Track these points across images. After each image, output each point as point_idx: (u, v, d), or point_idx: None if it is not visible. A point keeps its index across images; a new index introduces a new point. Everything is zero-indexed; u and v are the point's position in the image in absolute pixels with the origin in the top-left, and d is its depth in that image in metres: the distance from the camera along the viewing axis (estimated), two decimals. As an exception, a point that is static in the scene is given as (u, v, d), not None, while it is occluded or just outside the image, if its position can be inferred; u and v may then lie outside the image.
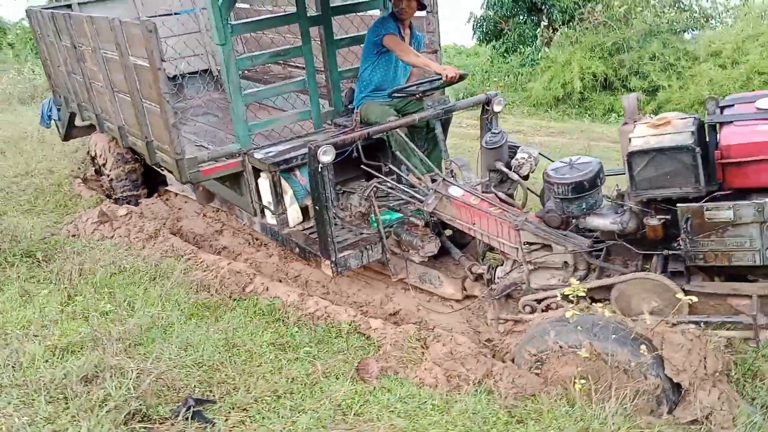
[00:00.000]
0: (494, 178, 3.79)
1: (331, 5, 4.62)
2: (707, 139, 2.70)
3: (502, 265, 3.73)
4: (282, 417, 2.95)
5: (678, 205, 2.66)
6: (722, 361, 2.76)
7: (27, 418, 2.76)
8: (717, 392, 2.72)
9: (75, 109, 6.13)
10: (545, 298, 3.30)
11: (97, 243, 5.04)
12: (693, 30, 10.61)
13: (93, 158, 6.52)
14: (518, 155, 3.75)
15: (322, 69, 4.80)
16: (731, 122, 2.63)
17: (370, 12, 5.00)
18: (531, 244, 3.34)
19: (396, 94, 4.20)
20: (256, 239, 5.35)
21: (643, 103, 10.08)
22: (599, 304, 3.11)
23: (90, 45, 4.82)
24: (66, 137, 6.93)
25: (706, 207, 2.59)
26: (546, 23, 12.54)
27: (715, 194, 2.63)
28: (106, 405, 2.81)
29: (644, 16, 10.50)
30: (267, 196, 4.33)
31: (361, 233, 4.10)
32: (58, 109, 6.77)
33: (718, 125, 2.62)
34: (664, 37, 10.12)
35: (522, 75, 12.22)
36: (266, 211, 4.45)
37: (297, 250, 4.33)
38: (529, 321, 3.33)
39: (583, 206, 3.06)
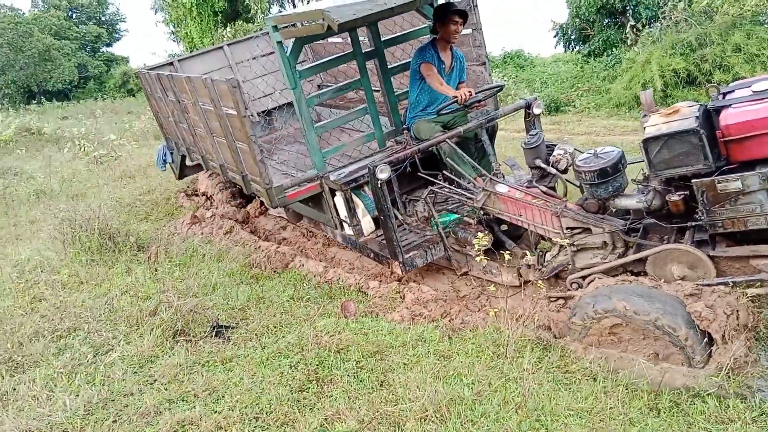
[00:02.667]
0: (536, 174, 4.29)
1: (383, 38, 5.17)
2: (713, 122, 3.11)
3: (551, 250, 4.19)
4: (276, 337, 4.15)
5: (693, 180, 3.07)
6: (750, 315, 3.10)
7: (111, 334, 4.28)
8: (744, 343, 3.03)
9: (185, 152, 7.21)
10: (589, 275, 3.73)
11: (186, 237, 6.72)
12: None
13: (204, 195, 7.78)
14: (555, 152, 4.18)
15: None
16: (729, 105, 3.02)
17: (421, 38, 5.36)
18: (573, 228, 3.83)
19: (442, 112, 4.61)
20: (309, 231, 6.63)
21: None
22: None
23: (190, 99, 5.72)
24: (180, 176, 8.21)
25: (717, 180, 2.98)
26: (632, 23, 12.74)
27: (724, 168, 3.02)
28: (161, 327, 4.24)
29: (726, 9, 10.44)
30: (343, 211, 4.98)
31: (425, 235, 4.71)
32: (171, 153, 7.92)
33: (716, 110, 3.05)
34: (747, 28, 9.99)
35: (605, 78, 12.53)
36: (344, 224, 5.10)
37: (372, 255, 4.94)
38: (575, 296, 3.67)
39: (609, 189, 3.53)
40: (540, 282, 4.15)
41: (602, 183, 3.58)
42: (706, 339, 3.10)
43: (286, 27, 4.67)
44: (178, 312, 4.32)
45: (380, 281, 5.02)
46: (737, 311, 3.11)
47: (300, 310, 4.64)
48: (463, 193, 4.41)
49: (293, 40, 4.63)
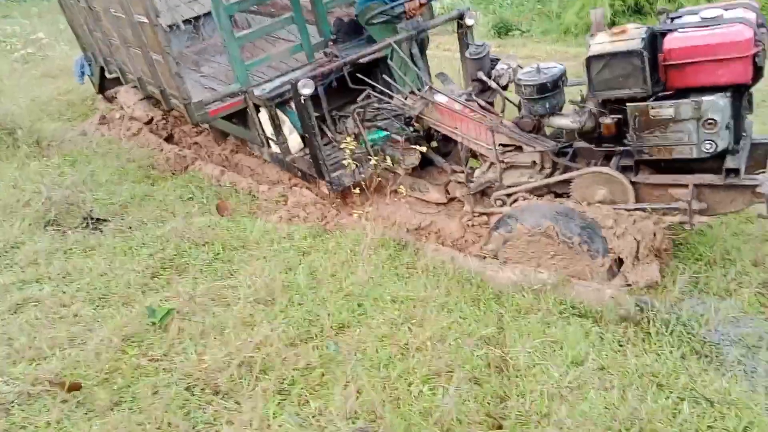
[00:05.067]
0: (476, 87, 4.19)
1: None
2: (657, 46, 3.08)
3: (480, 167, 4.21)
4: (147, 230, 4.26)
5: (627, 104, 3.09)
6: (665, 240, 3.29)
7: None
8: (657, 266, 3.25)
9: (103, 64, 6.83)
10: (514, 193, 3.82)
11: (92, 137, 6.67)
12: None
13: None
14: (498, 66, 4.12)
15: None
16: (675, 29, 2.98)
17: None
18: (505, 145, 3.85)
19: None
20: (225, 138, 6.60)
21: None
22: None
23: (101, 5, 5.45)
24: (100, 90, 7.77)
25: (651, 105, 3.00)
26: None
27: (659, 94, 3.04)
28: (32, 216, 4.30)
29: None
30: (268, 129, 4.86)
31: (354, 153, 4.41)
32: (90, 65, 7.50)
33: (661, 33, 2.99)
34: (696, -44, 9.92)
35: (556, 2, 12.35)
36: (270, 142, 4.99)
37: (300, 174, 4.87)
38: (499, 213, 3.84)
39: (547, 106, 3.53)
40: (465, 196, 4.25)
41: (540, 98, 3.56)
42: (614, 258, 3.31)
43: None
44: (49, 202, 4.36)
45: (269, 186, 5.12)
46: (654, 234, 3.28)
47: (182, 207, 4.74)
48: (396, 104, 4.34)
49: None
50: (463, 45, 5.06)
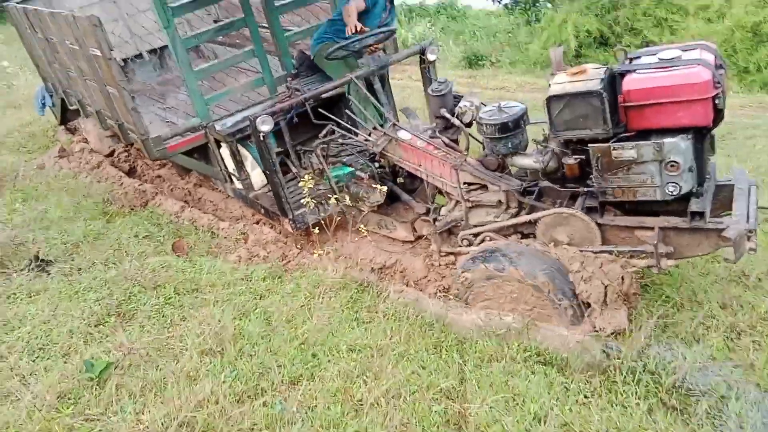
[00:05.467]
0: (440, 124, 4.13)
1: None
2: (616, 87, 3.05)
3: (446, 205, 4.12)
4: (97, 272, 4.05)
5: (589, 145, 3.04)
6: (630, 285, 3.17)
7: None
8: (625, 311, 3.15)
9: (62, 95, 6.56)
10: (480, 233, 3.73)
11: (51, 170, 6.45)
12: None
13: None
14: (461, 103, 4.06)
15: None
16: (634, 71, 2.94)
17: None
18: (470, 184, 3.80)
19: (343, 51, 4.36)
20: (188, 172, 6.42)
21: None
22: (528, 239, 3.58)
23: (58, 37, 5.28)
24: (62, 122, 7.56)
25: (613, 147, 2.94)
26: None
27: (621, 135, 2.99)
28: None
29: (640, -28, 10.55)
30: (230, 164, 4.75)
31: (318, 189, 4.36)
32: (51, 96, 7.25)
33: (620, 74, 2.96)
34: (659, -8, 10.21)
35: (525, 34, 12.56)
36: (233, 178, 4.88)
37: (263, 211, 4.71)
38: (465, 253, 3.74)
39: (509, 145, 3.46)
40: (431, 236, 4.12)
41: (502, 138, 3.50)
42: (579, 304, 3.21)
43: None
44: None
45: (230, 223, 4.96)
46: (622, 278, 3.19)
47: (137, 247, 4.54)
48: (358, 141, 4.26)
49: None
50: (426, 80, 5.02)
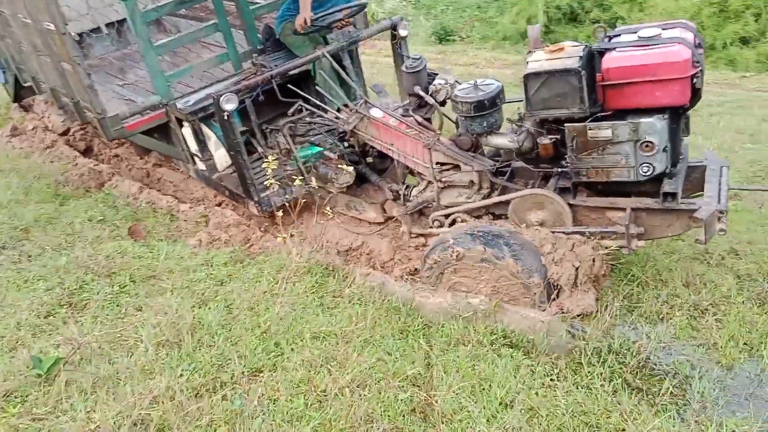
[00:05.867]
0: (413, 102, 4.01)
1: None
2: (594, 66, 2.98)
3: (417, 185, 4.03)
4: (47, 260, 3.86)
5: (565, 124, 3.00)
6: (604, 266, 3.16)
7: None
8: (594, 293, 3.15)
9: (16, 71, 6.32)
10: (452, 214, 3.66)
11: (3, 150, 6.13)
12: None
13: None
14: (436, 81, 3.97)
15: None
16: (613, 49, 2.90)
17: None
18: (443, 164, 3.71)
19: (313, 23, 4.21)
20: (147, 152, 6.18)
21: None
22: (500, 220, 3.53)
23: (9, 10, 4.99)
24: (16, 98, 7.21)
25: (589, 126, 2.92)
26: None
27: (597, 115, 2.95)
28: None
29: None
30: (193, 144, 4.57)
31: (285, 170, 4.24)
32: (4, 72, 7.04)
33: (599, 52, 2.92)
34: (630, -33, 10.14)
35: (495, 9, 12.42)
36: (195, 159, 4.70)
37: (227, 193, 4.57)
38: (436, 234, 3.67)
39: (484, 124, 3.39)
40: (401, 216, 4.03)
41: (477, 116, 3.40)
42: (548, 284, 3.17)
43: None
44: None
45: (191, 205, 4.78)
46: (593, 260, 3.16)
47: (91, 231, 4.35)
48: (329, 119, 4.10)
49: None
50: (397, 56, 4.88)
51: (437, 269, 3.45)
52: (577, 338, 2.98)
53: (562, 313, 3.15)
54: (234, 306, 3.25)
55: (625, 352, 2.88)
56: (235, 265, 3.79)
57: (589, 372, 2.77)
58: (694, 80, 2.76)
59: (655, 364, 2.84)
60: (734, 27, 8.32)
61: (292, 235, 3.87)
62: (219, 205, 4.82)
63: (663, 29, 2.89)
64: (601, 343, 2.92)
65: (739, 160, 4.88)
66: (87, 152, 6.32)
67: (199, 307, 3.23)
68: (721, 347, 2.96)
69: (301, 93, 4.18)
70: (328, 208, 3.97)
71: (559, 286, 3.21)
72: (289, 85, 4.21)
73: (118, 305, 3.33)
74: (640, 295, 3.36)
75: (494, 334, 3.04)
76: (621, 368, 2.80)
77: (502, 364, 2.79)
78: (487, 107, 3.38)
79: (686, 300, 3.26)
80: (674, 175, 3.05)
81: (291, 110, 4.16)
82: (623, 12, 10.35)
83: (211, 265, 3.76)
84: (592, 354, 2.87)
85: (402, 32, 4.73)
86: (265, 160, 3.82)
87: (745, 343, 2.98)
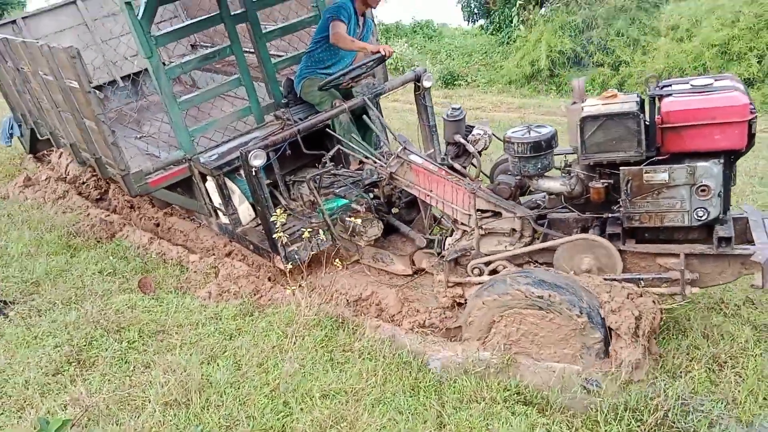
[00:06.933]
0: (451, 151, 4.03)
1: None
2: (647, 112, 3.03)
3: (450, 236, 3.97)
4: (57, 314, 3.85)
5: (621, 168, 3.01)
6: (656, 320, 3.07)
7: None
8: (642, 349, 3.02)
9: (33, 126, 6.39)
10: (492, 262, 3.60)
11: (15, 200, 6.21)
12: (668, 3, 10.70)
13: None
14: (474, 131, 4.02)
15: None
16: (671, 94, 2.99)
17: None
18: (483, 211, 3.65)
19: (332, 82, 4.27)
20: (167, 205, 6.17)
21: (597, 80, 10.29)
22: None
23: (30, 68, 5.05)
24: (31, 151, 7.33)
25: (645, 170, 2.94)
26: (522, 2, 12.82)
27: (653, 159, 2.98)
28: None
29: (615, -7, 10.70)
30: (216, 199, 4.56)
31: (311, 223, 4.24)
32: (20, 126, 7.13)
33: (658, 97, 2.99)
34: (633, 13, 10.34)
35: (499, 54, 12.65)
36: (219, 213, 4.68)
37: (252, 247, 4.50)
38: (476, 283, 3.58)
39: (539, 166, 3.38)
40: (438, 266, 3.94)
41: (533, 157, 3.38)
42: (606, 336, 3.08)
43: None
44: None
45: (201, 256, 4.79)
46: (652, 313, 3.07)
47: (101, 284, 4.35)
48: (368, 164, 4.00)
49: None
50: (421, 107, 4.91)
51: (486, 315, 3.28)
52: (593, 394, 2.91)
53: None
54: (243, 362, 3.22)
55: (642, 409, 2.80)
56: (245, 318, 3.77)
57: (606, 431, 2.69)
58: (751, 125, 2.81)
59: (674, 422, 2.76)
60: (737, 69, 8.39)
61: (300, 286, 3.86)
62: (228, 255, 4.83)
63: (714, 80, 2.98)
64: (617, 400, 2.84)
65: (752, 204, 4.84)
66: (99, 200, 6.40)
67: (208, 363, 3.20)
68: (740, 402, 2.88)
69: (327, 147, 4.18)
70: (337, 261, 3.95)
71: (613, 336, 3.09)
72: (313, 138, 4.15)
73: (126, 362, 3.32)
74: (662, 347, 3.28)
75: (507, 390, 2.97)
76: (639, 427, 2.72)
77: (517, 422, 2.72)
78: (543, 149, 3.38)
79: (705, 352, 3.19)
80: (725, 221, 3.04)
81: (323, 160, 4.15)
82: (626, 56, 10.51)
83: (220, 319, 3.75)
84: (608, 411, 2.79)
85: (426, 83, 4.78)
86: (273, 215, 3.83)
87: (764, 398, 2.89)
